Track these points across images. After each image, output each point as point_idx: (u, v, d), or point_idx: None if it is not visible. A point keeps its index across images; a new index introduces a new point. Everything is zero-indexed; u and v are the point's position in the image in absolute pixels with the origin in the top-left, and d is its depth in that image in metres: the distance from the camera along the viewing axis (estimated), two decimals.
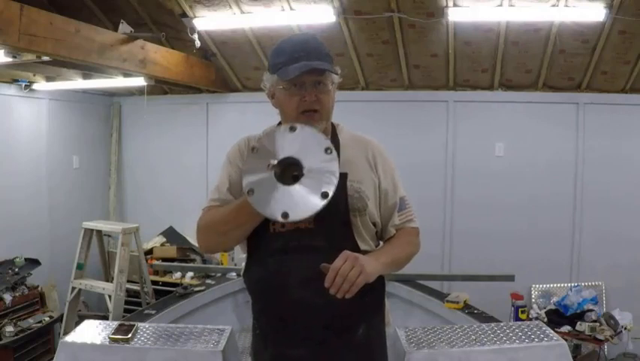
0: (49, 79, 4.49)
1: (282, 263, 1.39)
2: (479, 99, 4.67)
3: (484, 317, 2.90)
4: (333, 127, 1.54)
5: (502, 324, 1.63)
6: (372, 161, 1.50)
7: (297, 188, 1.18)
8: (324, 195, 1.16)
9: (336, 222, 1.33)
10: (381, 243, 1.55)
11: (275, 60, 1.44)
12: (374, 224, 1.49)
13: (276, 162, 1.18)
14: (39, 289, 4.25)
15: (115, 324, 1.64)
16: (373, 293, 1.50)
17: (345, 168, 1.41)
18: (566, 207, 4.58)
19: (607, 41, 3.93)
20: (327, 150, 1.19)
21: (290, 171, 1.20)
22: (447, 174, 4.75)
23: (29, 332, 3.88)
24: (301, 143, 1.21)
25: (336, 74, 1.45)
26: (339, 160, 1.23)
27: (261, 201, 1.19)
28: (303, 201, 1.17)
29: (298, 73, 1.35)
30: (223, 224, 1.43)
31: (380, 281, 1.53)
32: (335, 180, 1.17)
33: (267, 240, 1.42)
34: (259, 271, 1.40)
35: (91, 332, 1.61)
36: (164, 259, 4.89)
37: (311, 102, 1.40)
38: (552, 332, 1.56)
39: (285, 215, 1.15)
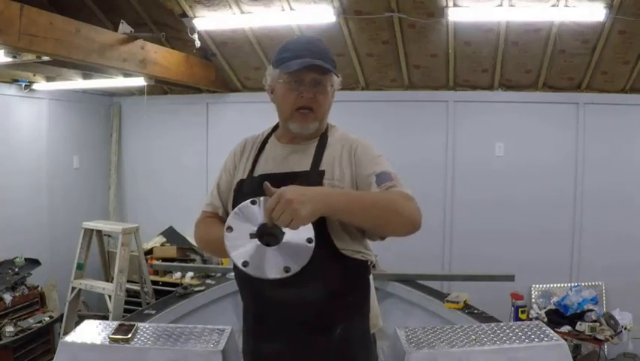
0: (49, 79, 4.49)
1: None
2: (479, 99, 4.67)
3: (484, 317, 2.90)
4: (326, 128, 1.56)
5: (502, 324, 1.63)
6: (353, 155, 1.47)
7: (284, 245, 1.26)
8: (309, 240, 1.26)
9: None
10: (368, 241, 1.50)
11: (280, 55, 1.47)
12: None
13: (255, 231, 1.27)
14: (39, 289, 4.25)
15: (115, 324, 1.64)
16: (356, 293, 1.50)
17: (325, 167, 1.45)
18: (566, 207, 4.58)
19: (607, 41, 3.93)
20: None
21: (268, 237, 1.28)
22: (447, 174, 4.75)
23: (29, 332, 3.87)
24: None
25: (337, 76, 1.47)
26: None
27: (258, 269, 1.26)
28: (297, 249, 1.26)
29: (299, 67, 1.38)
30: (211, 248, 1.60)
31: (363, 281, 1.52)
32: (310, 227, 1.26)
33: None
34: (240, 269, 1.42)
35: (91, 332, 1.60)
36: (164, 259, 4.89)
37: (308, 99, 1.43)
38: (552, 332, 1.55)
39: (287, 269, 1.24)
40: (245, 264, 1.24)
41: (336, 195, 1.29)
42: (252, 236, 1.27)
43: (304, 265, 1.25)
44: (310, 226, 1.27)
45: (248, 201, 1.31)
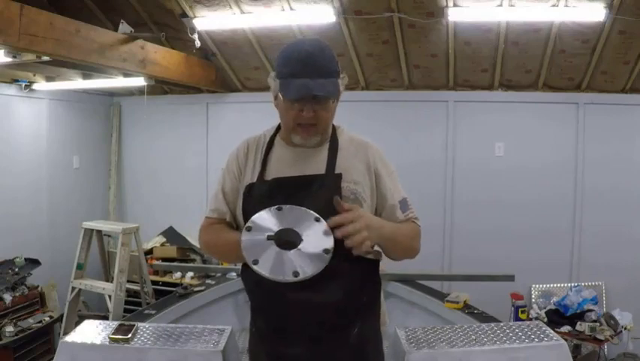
0: (49, 79, 4.49)
1: None
2: (479, 99, 4.67)
3: (484, 317, 2.90)
4: (334, 129, 1.55)
5: (502, 324, 1.64)
6: (373, 164, 1.50)
7: (299, 251, 1.28)
8: (326, 251, 1.27)
9: None
10: (377, 247, 1.52)
11: (280, 68, 1.42)
12: None
13: (273, 233, 1.29)
14: (39, 289, 4.24)
15: (115, 324, 1.64)
16: (370, 292, 1.51)
17: (340, 170, 1.45)
18: (566, 207, 4.58)
19: (607, 41, 3.93)
20: (316, 219, 1.31)
21: (286, 242, 1.29)
22: (447, 174, 4.75)
23: (29, 332, 3.87)
24: (292, 218, 1.31)
25: (339, 92, 1.43)
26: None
27: (264, 268, 1.27)
28: (312, 257, 1.27)
29: (297, 97, 1.36)
30: (222, 252, 1.57)
31: (376, 280, 1.54)
32: (331, 241, 1.28)
33: None
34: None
35: (91, 332, 1.61)
36: (164, 259, 4.89)
37: (309, 118, 1.41)
38: (552, 332, 1.56)
39: (296, 274, 1.25)
40: (255, 262, 1.25)
41: (388, 228, 1.41)
42: (269, 237, 1.28)
43: (316, 273, 1.25)
44: (332, 237, 1.28)
45: (274, 208, 1.32)
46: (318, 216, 1.31)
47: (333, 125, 1.55)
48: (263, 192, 1.41)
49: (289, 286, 1.26)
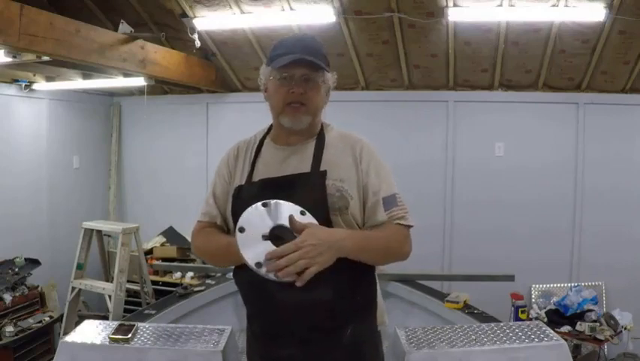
0: (49, 79, 4.49)
1: None
2: (479, 99, 4.67)
3: (484, 317, 2.90)
4: (322, 127, 1.54)
5: (502, 324, 1.63)
6: (359, 158, 1.47)
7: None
8: None
9: (317, 221, 1.32)
10: None
11: (272, 53, 1.48)
12: (358, 224, 1.45)
13: (267, 232, 1.28)
14: (39, 289, 4.24)
15: (115, 324, 1.64)
16: (364, 292, 1.49)
17: (326, 167, 1.43)
18: (566, 207, 4.58)
19: (607, 41, 3.93)
20: (301, 212, 1.31)
21: (280, 239, 1.29)
22: (447, 174, 4.75)
23: (29, 332, 3.87)
24: (279, 213, 1.31)
25: (327, 71, 1.47)
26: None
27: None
28: None
29: (288, 62, 1.40)
30: (214, 256, 1.55)
31: (370, 280, 1.52)
32: None
33: None
34: (245, 273, 1.40)
35: (91, 332, 1.61)
36: (164, 259, 4.90)
37: (298, 95, 1.43)
38: (552, 332, 1.56)
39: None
40: (258, 265, 1.23)
41: (349, 240, 1.34)
42: (264, 238, 1.26)
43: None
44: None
45: (259, 204, 1.31)
46: (303, 209, 1.31)
47: (322, 123, 1.55)
48: (251, 194, 1.40)
49: (281, 286, 1.25)
